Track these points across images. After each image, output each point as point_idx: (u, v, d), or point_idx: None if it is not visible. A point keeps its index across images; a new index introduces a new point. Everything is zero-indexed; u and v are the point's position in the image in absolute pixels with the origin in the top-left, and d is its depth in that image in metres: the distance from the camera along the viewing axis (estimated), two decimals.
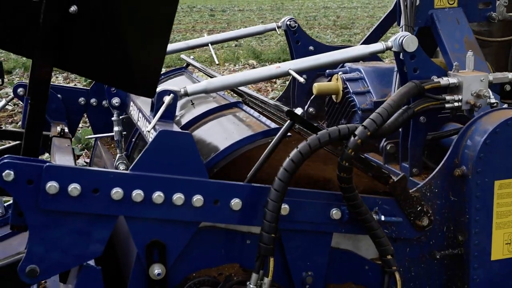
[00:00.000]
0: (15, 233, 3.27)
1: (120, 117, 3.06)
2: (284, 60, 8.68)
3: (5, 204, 3.50)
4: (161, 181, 2.12)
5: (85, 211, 2.07)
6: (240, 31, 4.16)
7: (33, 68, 2.07)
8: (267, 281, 2.16)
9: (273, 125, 2.46)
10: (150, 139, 2.29)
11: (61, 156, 2.93)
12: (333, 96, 3.41)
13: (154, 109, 2.34)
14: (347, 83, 3.29)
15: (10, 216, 2.16)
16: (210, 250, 2.29)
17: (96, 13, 2.01)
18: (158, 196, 2.11)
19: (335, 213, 2.31)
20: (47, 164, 2.02)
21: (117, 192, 2.07)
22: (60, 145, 3.29)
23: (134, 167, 2.11)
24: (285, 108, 2.30)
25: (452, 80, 2.58)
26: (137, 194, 2.09)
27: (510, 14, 3.52)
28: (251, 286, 2.18)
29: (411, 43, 2.56)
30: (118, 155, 3.11)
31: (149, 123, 2.36)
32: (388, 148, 3.07)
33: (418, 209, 2.40)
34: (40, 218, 2.05)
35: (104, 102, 3.82)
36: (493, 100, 2.59)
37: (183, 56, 4.02)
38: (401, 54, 2.60)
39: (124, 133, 3.10)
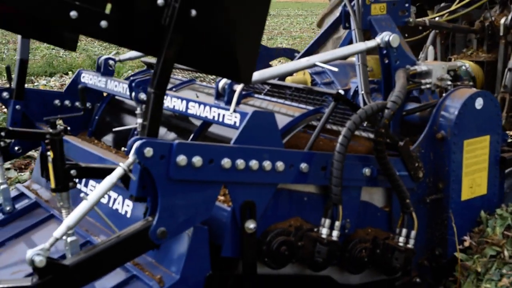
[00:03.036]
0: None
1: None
2: None
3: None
4: (256, 151, 2.64)
5: (203, 179, 2.54)
6: None
7: (157, 64, 2.47)
8: (338, 224, 2.80)
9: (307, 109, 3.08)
10: (228, 121, 2.81)
11: None
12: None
13: (226, 97, 2.84)
14: (314, 76, 3.99)
15: (134, 189, 2.51)
16: (281, 207, 2.85)
17: (209, 14, 2.47)
18: (254, 164, 2.63)
19: (367, 171, 3.00)
20: (177, 141, 2.46)
21: (227, 162, 2.56)
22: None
23: (236, 141, 2.62)
24: (334, 91, 2.94)
25: (424, 68, 3.40)
26: (241, 163, 2.60)
27: (419, 19, 4.48)
28: (325, 229, 2.79)
29: (395, 40, 3.33)
30: None
31: (215, 108, 2.88)
32: None
33: (416, 165, 3.18)
34: (170, 186, 2.47)
35: (77, 103, 4.11)
36: (449, 82, 3.46)
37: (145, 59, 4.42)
38: (386, 49, 3.36)
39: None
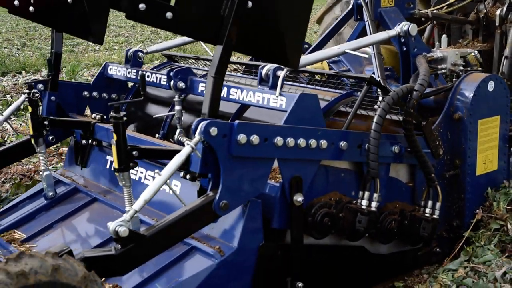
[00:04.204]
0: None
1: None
2: None
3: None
4: (304, 131, 2.90)
5: (259, 155, 2.78)
6: None
7: (217, 51, 2.71)
8: (376, 195, 3.07)
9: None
10: (273, 104, 3.06)
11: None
12: (319, 76, 4.35)
13: (270, 82, 3.09)
14: (331, 64, 4.26)
15: (197, 166, 2.74)
16: (322, 182, 3.11)
17: (263, 6, 2.71)
18: (302, 142, 2.89)
19: (396, 149, 3.28)
20: (237, 121, 2.70)
21: (280, 140, 2.81)
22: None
23: (286, 121, 2.87)
24: (367, 76, 3.21)
25: (439, 54, 3.70)
26: (291, 141, 2.85)
27: (422, 11, 4.79)
28: (364, 201, 3.07)
29: (414, 29, 3.62)
30: (178, 129, 3.69)
31: (258, 93, 3.13)
32: None
33: (437, 143, 3.47)
34: (231, 163, 2.72)
35: (104, 94, 4.31)
36: (461, 68, 3.77)
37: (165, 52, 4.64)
38: (405, 37, 3.64)
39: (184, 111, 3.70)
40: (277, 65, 3.13)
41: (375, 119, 3.08)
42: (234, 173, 2.74)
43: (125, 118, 2.82)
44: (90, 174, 3.97)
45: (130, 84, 4.44)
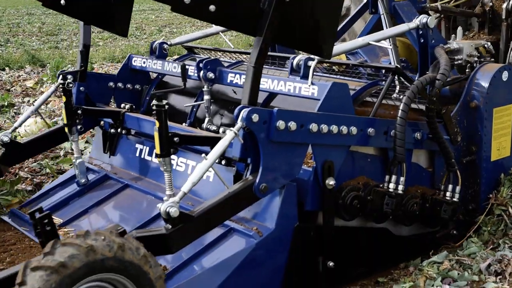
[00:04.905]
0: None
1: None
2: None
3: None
4: (336, 118, 3.06)
5: (295, 141, 2.95)
6: None
7: (256, 43, 2.86)
8: (403, 179, 3.25)
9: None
10: (305, 92, 3.22)
11: None
12: (336, 67, 4.52)
13: (302, 72, 3.25)
14: (348, 55, 4.43)
15: (237, 151, 2.89)
16: (351, 167, 3.28)
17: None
18: (334, 128, 3.05)
19: (418, 135, 3.45)
20: (276, 109, 2.86)
21: (314, 126, 2.98)
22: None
23: (319, 109, 3.03)
24: (392, 66, 3.38)
25: (456, 46, 3.88)
26: (324, 127, 3.01)
27: (432, 5, 4.97)
28: (392, 184, 3.24)
29: (432, 21, 3.79)
30: (206, 118, 3.84)
31: (290, 82, 3.29)
32: None
33: (455, 130, 3.65)
34: (270, 147, 2.88)
35: (128, 85, 4.45)
36: (476, 59, 3.94)
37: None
38: (423, 29, 3.80)
39: (212, 100, 3.85)
40: (307, 56, 3.29)
41: (401, 107, 3.25)
42: (273, 157, 2.90)
43: (167, 106, 2.97)
44: (118, 162, 4.12)
45: (152, 75, 4.58)
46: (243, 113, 2.80)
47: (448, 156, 3.51)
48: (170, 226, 2.66)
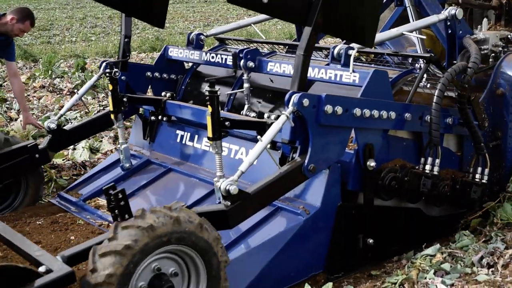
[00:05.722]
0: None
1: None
2: None
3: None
4: (377, 103, 3.26)
5: (341, 124, 3.15)
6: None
7: (305, 32, 3.05)
8: (438, 161, 3.45)
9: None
10: (346, 80, 3.42)
11: None
12: (364, 57, 4.72)
13: (343, 60, 3.45)
14: (377, 46, 4.62)
15: (287, 134, 3.09)
16: (388, 150, 3.48)
17: None
18: (375, 113, 3.25)
19: (450, 120, 3.66)
20: (325, 94, 3.06)
21: (358, 111, 3.18)
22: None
23: (362, 94, 3.22)
24: (427, 55, 3.58)
25: (482, 36, 4.08)
26: (366, 112, 3.21)
27: None
28: (428, 166, 3.44)
29: (460, 13, 3.98)
30: (246, 105, 4.04)
31: (330, 70, 3.49)
32: None
33: (483, 116, 3.85)
34: (319, 130, 3.08)
35: (164, 75, 4.64)
36: (500, 48, 4.15)
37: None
38: (451, 20, 4.00)
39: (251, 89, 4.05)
40: (347, 45, 3.49)
41: (436, 93, 3.45)
42: (321, 139, 3.10)
43: (219, 92, 3.16)
44: (159, 148, 4.31)
45: (187, 65, 4.77)
46: (295, 98, 3.00)
47: (477, 140, 3.72)
48: (229, 203, 2.86)
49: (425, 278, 3.16)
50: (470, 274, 3.19)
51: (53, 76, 8.35)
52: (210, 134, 3.21)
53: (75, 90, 7.75)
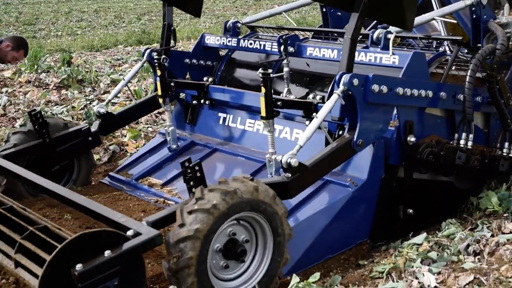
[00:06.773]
0: None
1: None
2: None
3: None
4: (416, 83, 3.53)
5: (386, 102, 3.42)
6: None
7: (352, 18, 3.31)
8: (472, 136, 3.73)
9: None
10: (385, 62, 3.68)
11: None
12: None
13: (382, 43, 3.71)
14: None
15: (337, 111, 3.35)
16: (425, 126, 3.75)
17: None
18: (415, 92, 3.52)
19: (479, 99, 3.93)
20: (372, 74, 3.32)
21: (400, 90, 3.45)
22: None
23: (403, 75, 3.49)
24: (459, 37, 3.85)
25: (505, 20, 4.35)
26: (408, 91, 3.48)
27: None
28: (462, 140, 3.72)
29: None
30: (286, 88, 4.29)
31: (370, 53, 3.75)
32: None
33: (508, 95, 4.13)
34: (367, 108, 3.35)
35: (201, 61, 4.88)
36: None
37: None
38: (476, 6, 4.27)
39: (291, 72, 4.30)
40: (386, 30, 3.75)
41: (468, 73, 3.72)
42: (368, 116, 3.37)
43: (272, 75, 3.42)
44: (201, 130, 4.56)
45: (221, 52, 5.01)
46: (345, 78, 3.26)
47: (504, 117, 4.00)
48: (290, 175, 3.12)
49: (412, 266, 3.18)
50: (457, 262, 3.19)
51: (39, 71, 8.29)
52: (263, 113, 3.47)
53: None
